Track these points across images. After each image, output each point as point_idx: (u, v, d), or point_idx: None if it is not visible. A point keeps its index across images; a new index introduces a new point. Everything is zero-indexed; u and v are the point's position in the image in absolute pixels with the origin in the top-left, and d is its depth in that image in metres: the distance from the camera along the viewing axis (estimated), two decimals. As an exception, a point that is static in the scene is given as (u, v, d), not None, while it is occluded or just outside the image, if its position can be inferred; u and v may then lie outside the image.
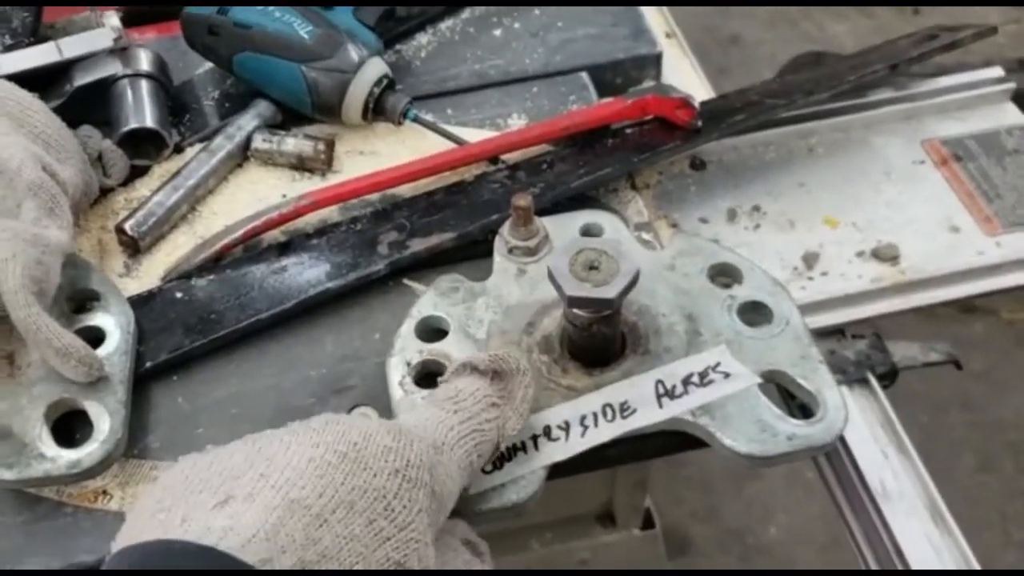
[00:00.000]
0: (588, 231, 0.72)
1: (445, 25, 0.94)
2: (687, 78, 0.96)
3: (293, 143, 0.81)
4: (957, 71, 0.93)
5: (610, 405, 0.61)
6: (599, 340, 0.62)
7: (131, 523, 0.48)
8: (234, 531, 0.43)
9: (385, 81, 0.82)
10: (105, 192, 0.80)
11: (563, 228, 0.72)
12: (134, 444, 0.65)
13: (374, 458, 0.48)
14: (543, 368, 0.63)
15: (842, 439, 0.72)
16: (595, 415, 0.61)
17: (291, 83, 0.81)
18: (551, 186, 0.76)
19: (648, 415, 0.60)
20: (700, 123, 0.79)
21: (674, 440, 0.62)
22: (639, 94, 0.81)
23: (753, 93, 0.86)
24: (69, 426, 0.64)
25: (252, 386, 0.69)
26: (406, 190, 0.79)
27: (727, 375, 0.62)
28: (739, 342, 0.64)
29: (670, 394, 0.61)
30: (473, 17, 0.94)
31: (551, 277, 0.59)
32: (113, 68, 0.82)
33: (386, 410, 0.64)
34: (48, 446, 0.61)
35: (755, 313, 0.66)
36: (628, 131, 0.81)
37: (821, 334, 0.75)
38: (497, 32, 0.93)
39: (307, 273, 0.73)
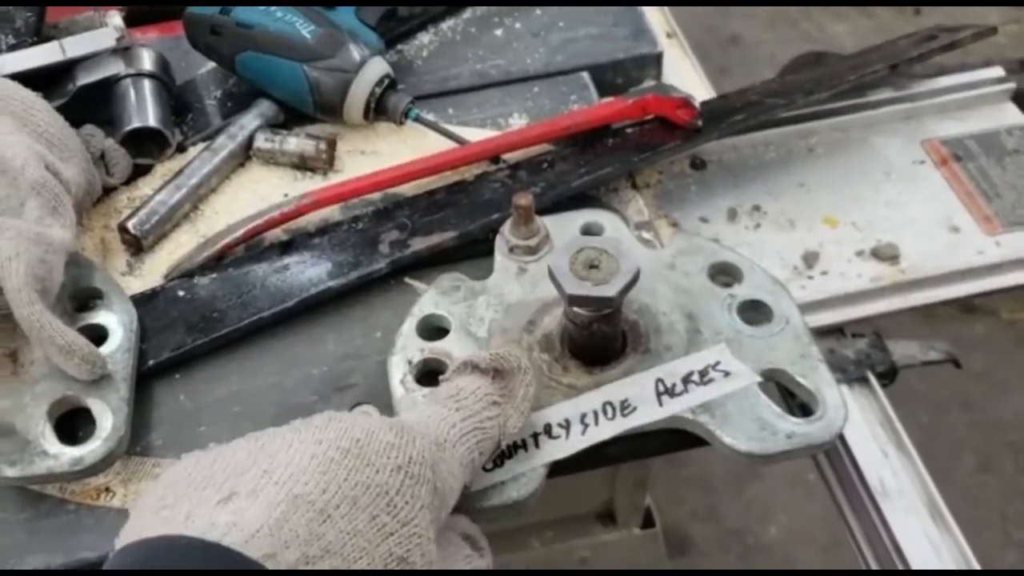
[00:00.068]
0: (589, 230, 0.73)
1: (446, 25, 0.94)
2: (687, 78, 0.97)
3: (295, 142, 0.82)
4: (957, 71, 0.93)
5: (610, 403, 0.61)
6: (600, 338, 0.63)
7: (135, 520, 0.48)
8: (238, 527, 0.43)
9: (387, 81, 0.82)
10: (108, 191, 0.80)
11: (564, 227, 0.72)
12: (137, 442, 0.65)
13: (377, 454, 0.48)
14: (544, 366, 0.64)
15: (842, 438, 0.72)
16: (595, 413, 0.61)
17: (293, 83, 0.81)
18: (552, 185, 0.76)
19: (648, 413, 0.61)
20: (700, 123, 0.80)
21: (674, 438, 0.63)
22: (640, 94, 0.82)
23: (753, 93, 0.86)
24: (72, 424, 0.64)
25: (254, 384, 0.69)
26: (407, 189, 0.79)
27: (727, 373, 0.62)
28: (739, 341, 0.64)
29: (670, 392, 0.61)
30: (474, 17, 0.94)
31: (552, 276, 0.59)
32: (116, 68, 0.82)
33: (387, 408, 0.64)
34: (51, 443, 0.61)
35: (755, 312, 0.66)
36: (629, 131, 0.82)
37: (821, 333, 0.75)
38: (498, 32, 0.93)
39: (309, 272, 0.73)
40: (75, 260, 0.69)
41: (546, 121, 0.82)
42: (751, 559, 1.68)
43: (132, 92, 0.82)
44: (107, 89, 0.82)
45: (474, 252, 0.74)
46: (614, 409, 0.61)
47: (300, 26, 0.81)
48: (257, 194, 0.81)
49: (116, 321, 0.68)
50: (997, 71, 0.92)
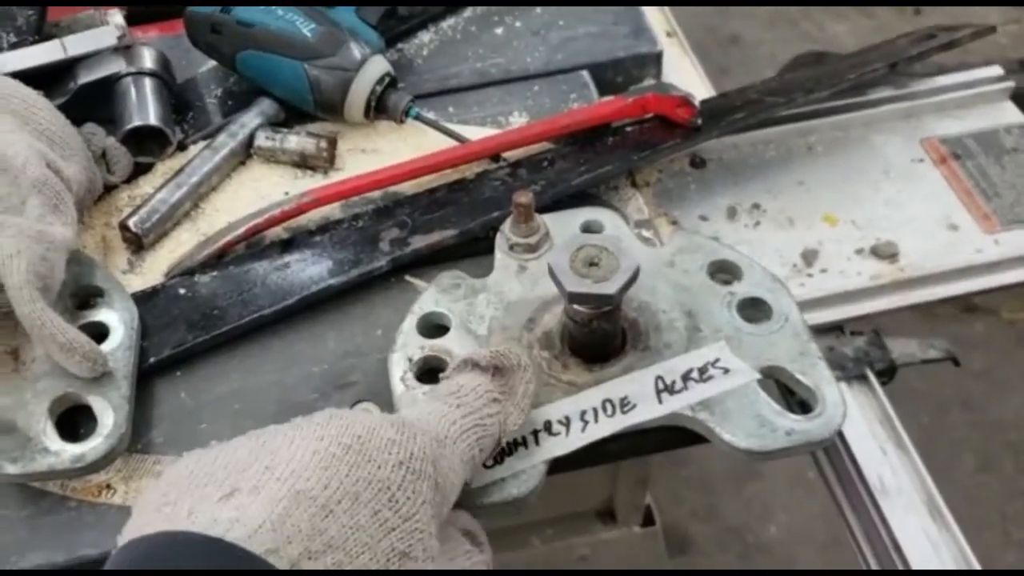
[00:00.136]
0: (589, 228, 0.73)
1: (447, 24, 0.94)
2: (687, 77, 0.97)
3: (295, 141, 0.82)
4: (957, 70, 0.93)
5: (610, 400, 0.61)
6: (599, 336, 0.63)
7: (137, 517, 0.48)
8: (240, 522, 0.43)
9: (387, 79, 0.82)
10: (109, 189, 0.80)
11: (564, 225, 0.72)
12: (137, 439, 0.65)
13: (378, 450, 0.48)
14: (544, 364, 0.64)
15: (841, 435, 0.72)
16: (595, 410, 0.61)
17: (294, 81, 0.81)
18: (552, 183, 0.77)
19: (648, 410, 0.61)
20: (700, 121, 0.80)
21: (674, 435, 0.63)
22: (639, 92, 0.82)
23: (753, 92, 0.86)
24: (73, 421, 0.64)
25: (255, 382, 0.69)
26: (408, 187, 0.79)
27: (726, 371, 0.62)
28: (738, 338, 0.64)
29: (670, 390, 0.62)
30: (475, 16, 0.95)
31: (552, 273, 0.59)
32: (117, 66, 0.82)
33: (388, 406, 0.65)
34: (52, 440, 0.61)
35: (754, 309, 0.66)
36: (628, 129, 0.82)
37: (820, 331, 0.75)
38: (498, 31, 0.93)
39: (309, 270, 0.73)
40: (76, 258, 0.69)
41: (546, 119, 0.82)
42: (751, 558, 1.68)
43: (133, 90, 0.82)
44: (108, 87, 0.82)
45: (474, 250, 0.74)
46: (614, 406, 0.61)
47: (301, 24, 0.81)
48: (258, 192, 0.81)
49: (117, 319, 0.68)
50: (996, 70, 0.92)
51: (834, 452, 0.74)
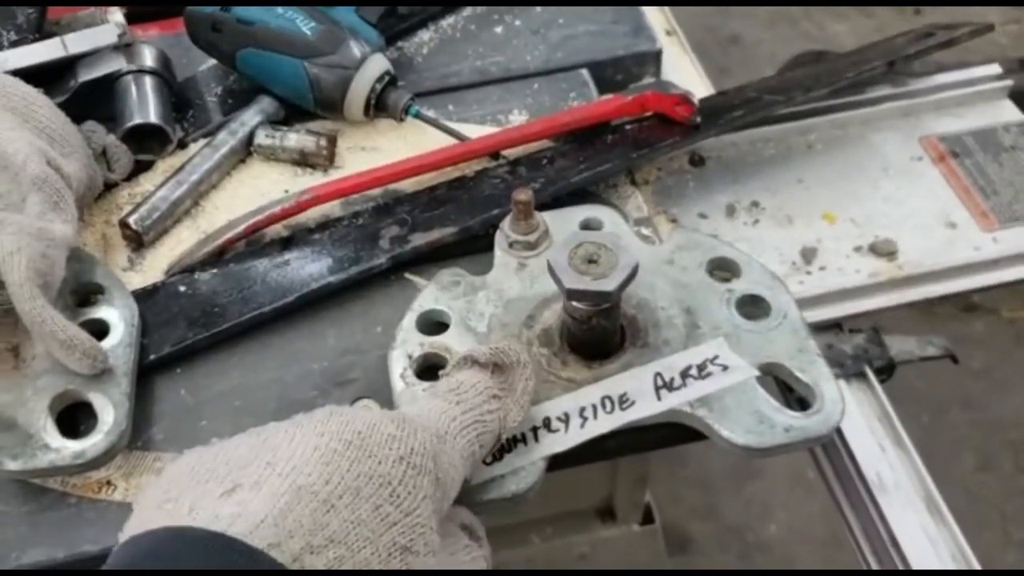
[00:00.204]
0: (588, 226, 0.73)
1: (447, 22, 0.94)
2: (687, 75, 0.97)
3: (295, 139, 0.82)
4: (956, 69, 0.94)
5: (609, 397, 0.61)
6: (598, 333, 0.63)
7: (138, 514, 0.48)
8: (242, 517, 0.43)
9: (387, 77, 0.82)
10: (109, 187, 0.80)
11: (563, 223, 0.72)
12: (138, 436, 0.65)
13: (378, 446, 0.48)
14: (543, 361, 0.64)
15: (839, 432, 0.72)
16: (594, 407, 0.61)
17: (293, 79, 0.82)
18: (551, 181, 0.77)
19: (646, 407, 0.61)
20: (699, 119, 0.80)
21: (672, 432, 0.63)
22: (639, 90, 0.82)
23: (752, 90, 0.87)
24: (74, 418, 0.64)
25: (255, 379, 0.69)
26: (408, 185, 0.79)
27: (725, 368, 0.62)
28: (737, 335, 0.64)
29: (668, 386, 0.62)
30: (474, 14, 0.95)
31: (551, 270, 0.59)
32: (117, 64, 0.83)
33: (388, 403, 0.65)
34: (53, 437, 0.61)
35: (753, 306, 0.66)
36: (628, 127, 0.82)
37: (819, 328, 0.76)
38: (498, 29, 0.93)
39: (309, 267, 0.73)
40: (76, 255, 0.69)
41: (546, 117, 0.82)
42: (751, 557, 1.68)
43: (133, 88, 0.82)
44: (108, 85, 0.82)
45: (474, 248, 0.74)
46: (613, 403, 0.61)
47: (301, 23, 0.81)
48: (258, 190, 0.81)
49: (117, 316, 0.68)
50: (995, 68, 0.92)
51: (832, 449, 0.74)
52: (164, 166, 0.82)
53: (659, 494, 1.54)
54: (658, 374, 0.62)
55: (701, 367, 0.62)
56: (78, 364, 0.63)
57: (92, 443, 0.61)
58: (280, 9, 0.82)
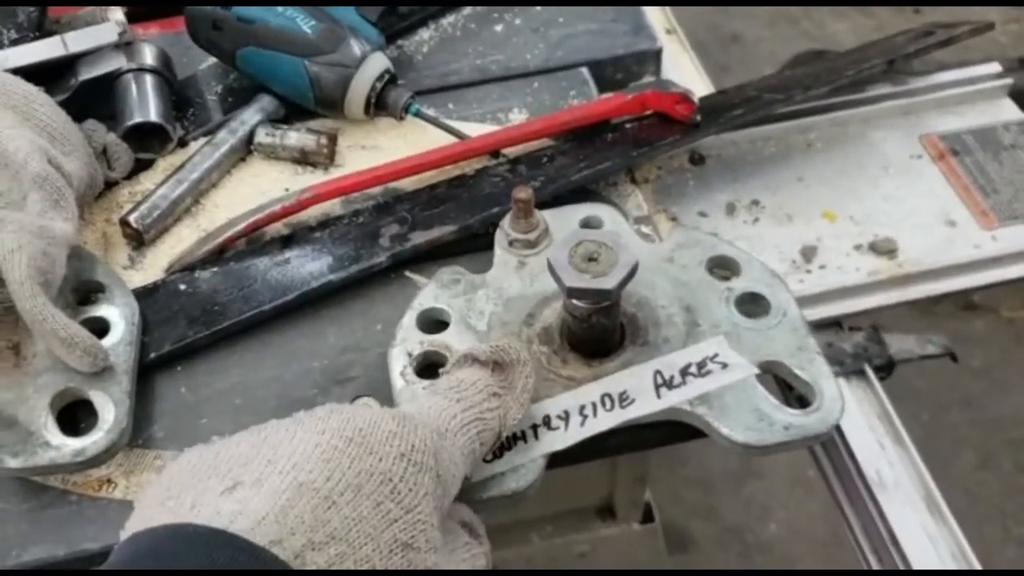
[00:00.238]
0: (588, 224, 0.73)
1: (447, 21, 0.94)
2: (687, 74, 0.97)
3: (296, 137, 0.82)
4: (956, 67, 0.94)
5: (609, 395, 0.61)
6: (598, 331, 0.63)
7: (140, 511, 0.48)
8: (244, 514, 0.44)
9: (387, 76, 0.82)
10: (110, 185, 0.80)
11: (563, 221, 0.72)
12: (138, 434, 0.66)
13: (379, 443, 0.48)
14: (543, 359, 0.64)
15: (839, 430, 0.73)
16: (594, 405, 0.61)
17: (294, 78, 0.82)
18: (551, 179, 0.77)
19: (646, 405, 0.61)
20: (699, 118, 0.80)
21: (672, 430, 0.63)
22: (639, 89, 0.82)
23: (751, 88, 0.87)
24: (74, 416, 0.65)
25: (255, 377, 0.69)
26: (408, 183, 0.79)
27: (725, 366, 0.62)
28: (737, 333, 0.64)
29: (668, 384, 0.62)
30: (474, 13, 0.95)
31: (551, 268, 0.59)
32: (118, 63, 0.83)
33: (388, 401, 0.65)
34: (53, 435, 0.61)
35: (753, 305, 0.66)
36: (628, 126, 0.82)
37: (819, 326, 0.76)
38: (498, 28, 0.93)
39: (309, 265, 0.73)
40: (77, 253, 0.69)
41: (546, 116, 0.82)
42: (751, 556, 1.68)
43: (134, 87, 0.82)
44: (109, 84, 0.82)
45: (474, 246, 0.74)
46: (613, 401, 0.61)
47: (301, 21, 0.81)
48: (258, 188, 0.81)
49: (118, 314, 0.68)
50: (994, 67, 0.92)
51: (832, 447, 0.74)
52: (164, 164, 0.82)
53: (659, 493, 1.54)
54: (658, 372, 0.62)
55: (701, 365, 0.62)
56: (79, 362, 0.63)
57: (93, 441, 0.61)
58: (280, 8, 0.82)
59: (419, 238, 0.74)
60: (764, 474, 1.75)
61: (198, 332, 0.70)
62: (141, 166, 0.82)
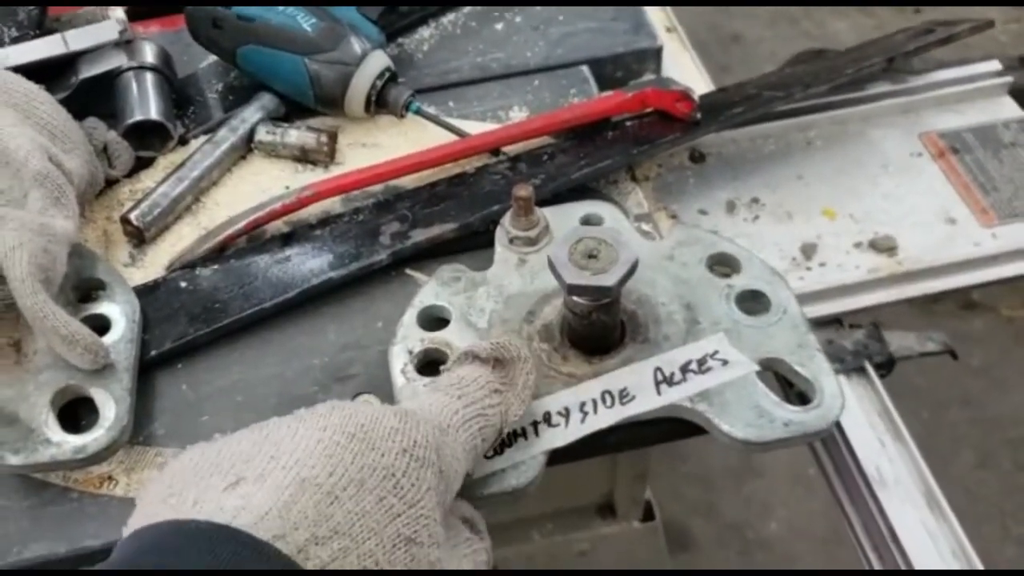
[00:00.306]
0: (588, 221, 0.73)
1: (447, 19, 0.94)
2: (687, 72, 0.97)
3: (296, 135, 0.82)
4: (955, 65, 0.94)
5: (609, 392, 0.62)
6: (599, 328, 0.63)
7: (142, 508, 0.48)
8: (247, 510, 0.44)
9: (387, 74, 0.83)
10: (110, 183, 0.80)
11: (563, 218, 0.72)
12: (139, 431, 0.66)
13: (381, 439, 0.48)
14: (543, 356, 0.64)
15: (839, 427, 0.73)
16: (594, 402, 0.61)
17: (294, 76, 0.82)
18: (552, 177, 0.77)
19: (647, 401, 0.61)
20: (699, 116, 0.80)
21: (672, 427, 0.63)
22: (639, 87, 0.82)
23: (752, 86, 0.87)
24: (75, 413, 0.65)
25: (256, 375, 0.69)
26: (408, 181, 0.79)
27: (725, 363, 0.62)
28: (737, 330, 0.64)
29: (668, 381, 0.62)
30: (475, 11, 0.95)
31: (551, 265, 0.59)
32: (118, 61, 0.83)
33: (388, 398, 0.65)
34: (54, 432, 0.61)
35: (753, 302, 0.66)
36: (628, 124, 0.82)
37: (819, 324, 0.76)
38: (499, 26, 0.94)
39: (310, 263, 0.73)
40: (78, 251, 0.70)
41: (546, 114, 0.82)
42: (751, 554, 1.68)
43: (134, 85, 0.82)
44: (109, 82, 0.83)
45: (474, 243, 0.74)
46: (613, 398, 0.61)
47: (301, 19, 0.81)
48: (258, 186, 0.81)
49: (119, 311, 0.68)
50: (994, 64, 0.92)
51: (832, 444, 0.74)
52: (165, 162, 0.83)
53: (659, 491, 1.54)
54: (658, 369, 0.62)
55: (701, 362, 0.62)
56: (80, 359, 0.63)
57: (93, 438, 0.61)
58: (281, 6, 0.82)
59: (419, 236, 0.74)
60: (764, 472, 1.75)
61: (199, 329, 0.70)
62: (142, 164, 0.82)
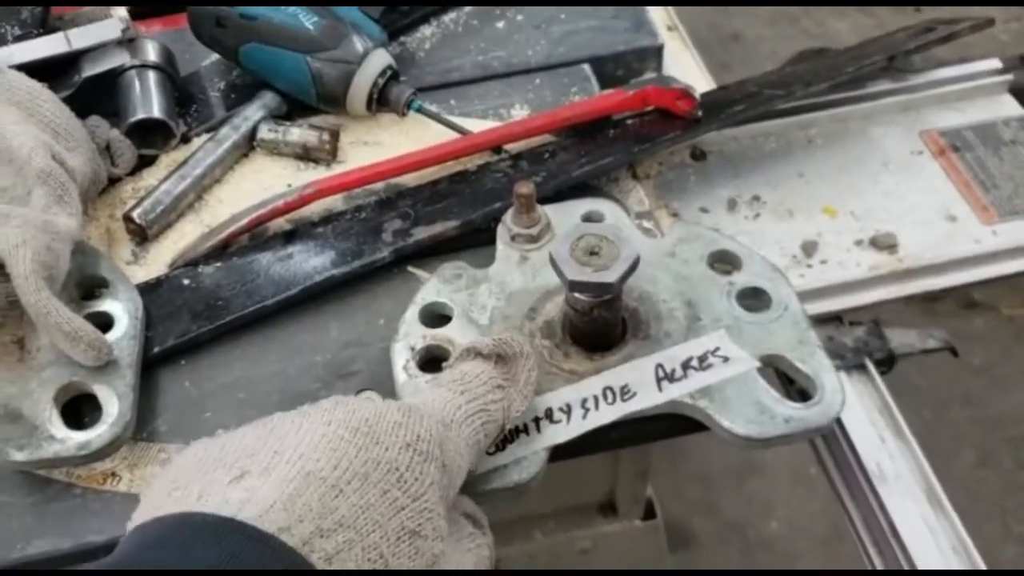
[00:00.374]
0: (589, 219, 0.73)
1: (448, 17, 0.95)
2: (688, 70, 0.97)
3: (298, 133, 0.82)
4: (956, 63, 0.94)
5: (611, 388, 0.62)
6: (600, 325, 0.63)
7: (146, 503, 0.48)
8: (252, 502, 0.44)
9: (389, 72, 0.83)
10: (113, 181, 0.81)
11: (565, 216, 0.73)
12: (142, 427, 0.66)
13: (385, 433, 0.48)
14: (545, 353, 0.64)
15: (840, 423, 0.73)
16: (596, 398, 0.61)
17: (296, 74, 0.82)
18: (553, 175, 0.77)
19: (648, 398, 0.61)
20: (700, 114, 0.80)
21: (674, 423, 0.63)
22: (640, 85, 0.82)
23: (752, 84, 0.87)
24: (78, 409, 0.65)
25: (258, 371, 0.70)
26: (410, 179, 0.80)
27: (726, 359, 0.63)
28: (738, 327, 0.65)
29: (670, 377, 0.62)
30: (476, 10, 0.95)
31: (552, 262, 0.60)
32: (121, 59, 0.83)
33: (390, 395, 0.65)
34: (58, 428, 0.62)
35: (754, 299, 0.67)
36: (629, 122, 0.82)
37: (820, 321, 0.76)
38: (500, 24, 0.94)
39: (312, 260, 0.74)
40: (81, 249, 0.70)
41: (547, 112, 0.83)
42: (752, 553, 1.68)
43: (137, 83, 0.83)
44: (112, 80, 0.83)
45: (476, 241, 0.75)
46: (614, 394, 0.62)
47: (303, 18, 0.82)
48: (261, 184, 0.81)
49: (122, 309, 0.68)
50: (995, 63, 0.93)
51: (833, 440, 0.75)
52: (167, 160, 0.83)
53: (660, 489, 1.54)
54: (659, 365, 0.63)
55: (702, 358, 0.63)
56: (83, 356, 0.63)
57: (97, 434, 0.62)
58: (283, 5, 0.82)
59: (421, 233, 0.74)
60: (765, 471, 1.76)
61: (201, 327, 0.70)
62: (144, 162, 0.83)
